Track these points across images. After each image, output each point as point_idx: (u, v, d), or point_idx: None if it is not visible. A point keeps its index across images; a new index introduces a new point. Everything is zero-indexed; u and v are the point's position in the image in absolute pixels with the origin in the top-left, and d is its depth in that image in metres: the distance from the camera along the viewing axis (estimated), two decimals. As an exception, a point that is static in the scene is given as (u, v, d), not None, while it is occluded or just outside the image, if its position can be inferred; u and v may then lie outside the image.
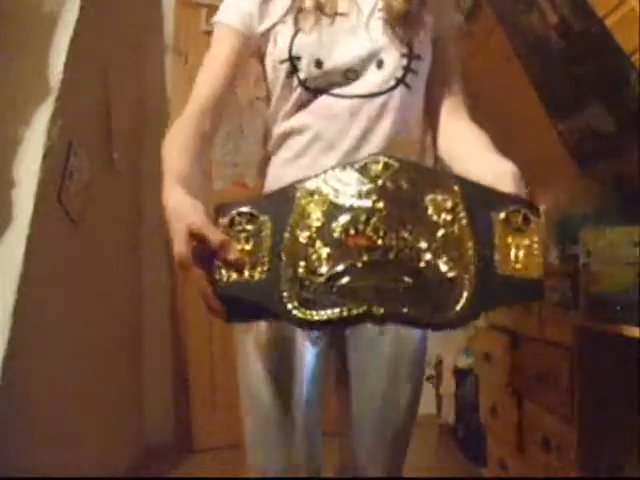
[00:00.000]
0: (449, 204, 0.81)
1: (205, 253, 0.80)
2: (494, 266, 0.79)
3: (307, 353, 1.04)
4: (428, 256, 0.78)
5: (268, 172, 1.12)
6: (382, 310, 0.75)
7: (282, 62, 1.03)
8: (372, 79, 1.02)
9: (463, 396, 2.94)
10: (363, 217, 0.80)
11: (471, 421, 2.72)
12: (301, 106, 1.04)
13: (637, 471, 1.45)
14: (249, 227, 0.82)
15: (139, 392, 2.96)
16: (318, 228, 0.80)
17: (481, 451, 2.45)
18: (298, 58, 1.01)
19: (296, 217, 0.81)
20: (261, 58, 1.10)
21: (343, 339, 1.08)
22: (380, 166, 0.83)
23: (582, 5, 1.71)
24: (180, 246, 0.79)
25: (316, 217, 0.81)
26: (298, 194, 0.83)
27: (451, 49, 1.11)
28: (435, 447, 3.42)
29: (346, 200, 0.81)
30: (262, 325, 1.03)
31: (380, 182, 0.82)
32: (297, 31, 1.02)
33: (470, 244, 0.79)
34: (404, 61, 1.03)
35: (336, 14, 1.04)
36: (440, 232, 0.79)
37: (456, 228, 0.80)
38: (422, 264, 0.78)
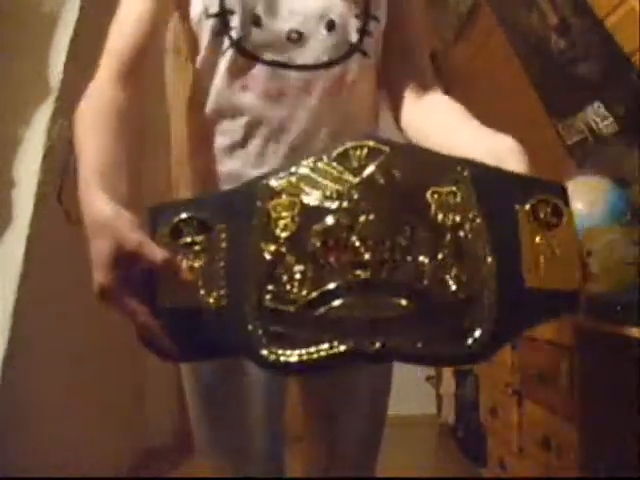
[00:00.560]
0: (458, 198, 0.63)
1: (141, 276, 0.63)
2: (521, 277, 0.61)
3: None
4: (433, 270, 0.61)
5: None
6: (376, 345, 0.59)
7: (210, 16, 0.82)
8: (320, 45, 0.84)
9: (463, 396, 2.93)
10: (345, 222, 0.62)
11: (471, 421, 2.72)
12: (234, 77, 0.84)
13: (637, 471, 1.45)
14: (198, 238, 0.64)
15: (140, 392, 2.96)
16: (288, 239, 0.63)
17: (481, 451, 2.45)
18: (231, 12, 0.82)
19: (259, 225, 0.63)
20: (184, 9, 0.87)
21: None
22: (365, 152, 0.64)
23: (582, 5, 1.71)
24: (101, 272, 0.62)
25: (284, 225, 0.63)
26: (260, 195, 0.64)
27: (413, 9, 0.94)
28: (435, 447, 3.42)
29: (322, 201, 0.63)
30: None
31: (366, 174, 0.64)
32: None
33: (487, 250, 0.61)
34: (359, 23, 0.85)
35: None
36: (447, 237, 0.62)
37: (468, 229, 0.62)
38: (425, 282, 0.61)
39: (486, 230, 0.62)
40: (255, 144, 0.85)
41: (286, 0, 0.84)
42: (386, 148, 0.65)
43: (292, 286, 0.61)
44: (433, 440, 3.46)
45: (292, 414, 0.95)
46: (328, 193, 0.64)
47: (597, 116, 1.92)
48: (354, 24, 0.85)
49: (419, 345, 0.59)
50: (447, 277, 0.61)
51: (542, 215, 0.63)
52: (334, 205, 0.63)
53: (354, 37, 0.85)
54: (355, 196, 0.63)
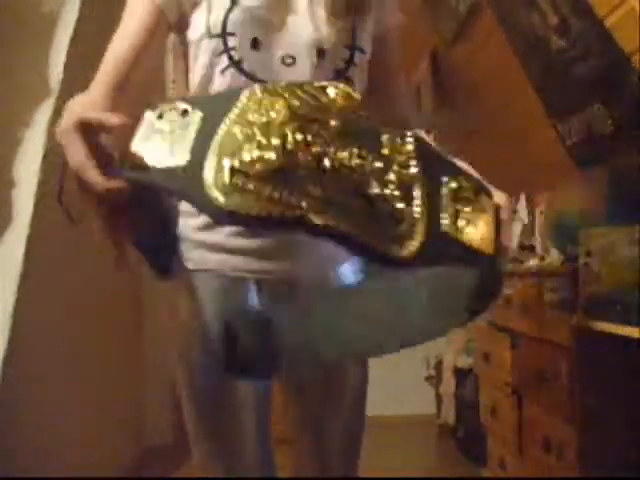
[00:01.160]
0: (404, 149, 0.73)
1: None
2: (441, 224, 0.73)
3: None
4: (379, 185, 0.69)
5: None
6: (319, 221, 0.64)
7: (212, 37, 0.89)
8: (309, 69, 0.91)
9: (463, 396, 2.94)
10: (315, 128, 0.69)
11: (471, 421, 2.72)
12: None
13: (637, 471, 1.45)
14: (176, 119, 0.69)
15: (140, 392, 2.96)
16: (263, 125, 0.68)
17: (481, 451, 2.45)
18: (232, 34, 0.89)
19: (238, 112, 0.69)
20: (182, 28, 0.95)
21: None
22: (341, 92, 0.73)
23: (582, 5, 1.71)
24: (89, 171, 0.72)
25: (262, 114, 0.68)
26: (246, 93, 0.71)
27: (394, 51, 1.04)
28: (435, 447, 3.42)
29: (301, 109, 0.70)
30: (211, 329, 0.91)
31: (338, 103, 0.72)
32: (233, 4, 0.89)
33: (419, 193, 0.71)
34: (346, 53, 0.94)
35: None
36: (394, 167, 0.71)
37: (409, 172, 0.72)
38: (373, 190, 0.68)
39: (421, 180, 0.72)
40: None
41: (284, 28, 0.92)
42: (358, 97, 0.74)
43: (259, 155, 0.65)
44: (433, 440, 3.46)
45: (276, 417, 1.01)
46: (305, 104, 0.70)
47: (597, 116, 1.92)
48: (342, 54, 0.94)
49: (368, 239, 0.66)
50: (389, 193, 0.69)
51: (465, 192, 0.76)
52: (310, 115, 0.70)
53: (341, 65, 0.94)
54: (327, 114, 0.70)
